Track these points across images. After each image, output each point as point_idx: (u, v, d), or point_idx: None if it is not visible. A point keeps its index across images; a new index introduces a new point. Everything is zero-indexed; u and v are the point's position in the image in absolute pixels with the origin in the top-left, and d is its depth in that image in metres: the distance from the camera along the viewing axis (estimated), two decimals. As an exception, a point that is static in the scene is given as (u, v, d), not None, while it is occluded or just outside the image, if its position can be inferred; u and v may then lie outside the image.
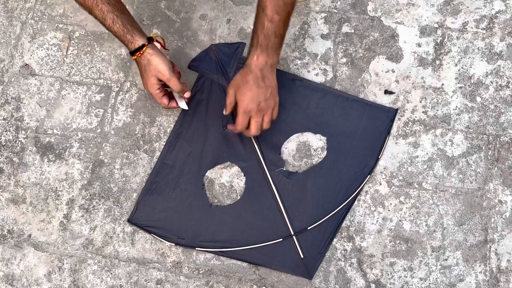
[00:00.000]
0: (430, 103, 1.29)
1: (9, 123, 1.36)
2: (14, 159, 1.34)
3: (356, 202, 1.25)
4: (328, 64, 1.33)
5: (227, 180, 1.28)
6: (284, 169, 1.27)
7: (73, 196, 1.31)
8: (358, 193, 1.25)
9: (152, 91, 1.19)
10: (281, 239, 1.23)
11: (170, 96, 1.23)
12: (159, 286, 1.25)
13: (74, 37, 1.40)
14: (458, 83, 1.29)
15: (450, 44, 1.31)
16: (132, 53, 1.17)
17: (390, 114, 1.28)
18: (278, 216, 1.24)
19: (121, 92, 1.36)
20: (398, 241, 1.23)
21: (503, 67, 1.29)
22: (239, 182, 1.28)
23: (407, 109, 1.29)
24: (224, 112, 1.20)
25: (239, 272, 1.24)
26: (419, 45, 1.32)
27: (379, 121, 1.28)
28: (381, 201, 1.25)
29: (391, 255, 1.22)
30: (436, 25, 1.33)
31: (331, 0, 1.36)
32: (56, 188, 1.31)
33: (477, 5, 1.33)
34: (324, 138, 1.28)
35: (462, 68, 1.30)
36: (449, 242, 1.22)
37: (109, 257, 1.27)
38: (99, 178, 1.31)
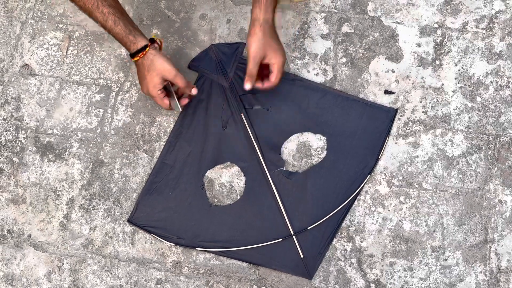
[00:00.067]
0: (430, 103, 1.29)
1: (9, 123, 1.36)
2: (14, 159, 1.34)
3: (356, 202, 1.25)
4: (328, 64, 1.33)
5: (227, 180, 1.28)
6: (284, 169, 1.27)
7: (73, 196, 1.31)
8: (358, 193, 1.25)
9: (154, 92, 1.19)
10: (281, 239, 1.23)
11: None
12: (159, 286, 1.25)
13: (74, 37, 1.40)
14: (458, 83, 1.29)
15: (450, 44, 1.31)
16: (134, 54, 1.17)
17: (390, 114, 1.28)
18: (278, 216, 1.24)
19: (121, 92, 1.36)
20: (398, 241, 1.23)
21: (503, 67, 1.29)
22: (239, 182, 1.28)
23: (407, 109, 1.29)
24: (246, 87, 1.18)
25: (239, 272, 1.24)
26: (419, 45, 1.32)
27: (379, 121, 1.28)
28: (381, 201, 1.25)
29: (391, 255, 1.22)
30: (436, 25, 1.33)
31: (331, 0, 1.36)
32: (56, 188, 1.31)
33: (477, 5, 1.33)
34: (324, 138, 1.28)
35: (462, 68, 1.30)
36: (449, 242, 1.22)
37: (109, 257, 1.27)
38: (99, 178, 1.31)
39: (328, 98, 1.30)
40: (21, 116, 1.36)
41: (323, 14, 1.36)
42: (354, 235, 1.24)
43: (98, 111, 1.35)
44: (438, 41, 1.32)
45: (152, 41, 1.18)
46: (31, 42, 1.40)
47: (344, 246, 1.23)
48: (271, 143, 1.28)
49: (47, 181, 1.32)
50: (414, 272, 1.21)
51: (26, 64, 1.39)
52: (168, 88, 1.22)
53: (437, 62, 1.31)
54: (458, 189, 1.24)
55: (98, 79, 1.37)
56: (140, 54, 1.17)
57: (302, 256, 1.22)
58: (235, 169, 1.28)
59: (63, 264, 1.27)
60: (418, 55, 1.31)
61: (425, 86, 1.30)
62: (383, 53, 1.32)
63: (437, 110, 1.28)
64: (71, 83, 1.37)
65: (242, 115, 1.29)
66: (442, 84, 1.29)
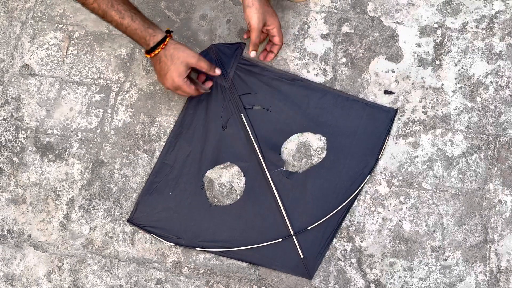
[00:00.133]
0: (430, 103, 1.29)
1: (9, 123, 1.36)
2: (14, 159, 1.34)
3: (356, 202, 1.25)
4: (328, 64, 1.33)
5: (227, 180, 1.28)
6: (284, 169, 1.27)
7: (73, 196, 1.31)
8: (358, 193, 1.25)
9: (180, 81, 1.20)
10: (281, 239, 1.23)
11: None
12: (159, 286, 1.25)
13: (74, 37, 1.40)
14: (458, 83, 1.29)
15: (450, 44, 1.31)
16: (155, 47, 1.18)
17: (390, 114, 1.28)
18: (278, 216, 1.24)
19: (121, 92, 1.36)
20: (398, 241, 1.23)
21: (503, 67, 1.29)
22: (239, 182, 1.28)
23: (407, 109, 1.29)
24: (252, 54, 1.24)
25: (239, 272, 1.24)
26: (419, 45, 1.32)
27: (379, 121, 1.28)
28: (381, 201, 1.25)
29: (391, 255, 1.22)
30: (436, 25, 1.33)
31: (331, 0, 1.36)
32: (56, 188, 1.31)
33: (477, 5, 1.33)
34: (324, 138, 1.28)
35: (462, 68, 1.30)
36: (449, 242, 1.22)
37: (109, 257, 1.27)
38: (99, 178, 1.31)
39: (328, 98, 1.30)
40: (21, 116, 1.36)
41: (323, 14, 1.36)
42: (354, 235, 1.24)
43: (98, 111, 1.35)
44: (438, 41, 1.32)
45: (168, 32, 1.20)
46: (31, 42, 1.40)
47: (344, 246, 1.23)
48: (271, 143, 1.28)
49: (47, 181, 1.32)
50: (414, 272, 1.21)
51: (26, 64, 1.39)
52: (189, 76, 1.23)
53: (437, 62, 1.31)
54: (458, 189, 1.24)
55: (98, 79, 1.37)
56: (162, 45, 1.18)
57: (302, 256, 1.22)
58: (235, 169, 1.28)
59: (63, 264, 1.27)
60: (418, 55, 1.31)
61: (425, 86, 1.30)
62: (383, 53, 1.32)
63: (437, 110, 1.28)
64: (71, 83, 1.37)
65: (242, 115, 1.29)
66: (442, 84, 1.30)
